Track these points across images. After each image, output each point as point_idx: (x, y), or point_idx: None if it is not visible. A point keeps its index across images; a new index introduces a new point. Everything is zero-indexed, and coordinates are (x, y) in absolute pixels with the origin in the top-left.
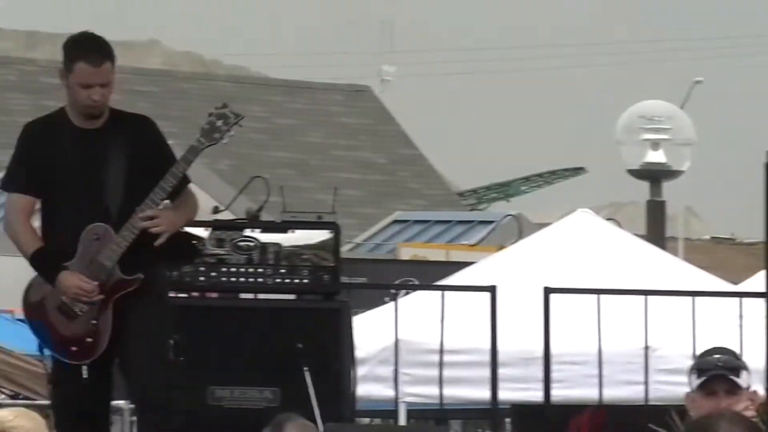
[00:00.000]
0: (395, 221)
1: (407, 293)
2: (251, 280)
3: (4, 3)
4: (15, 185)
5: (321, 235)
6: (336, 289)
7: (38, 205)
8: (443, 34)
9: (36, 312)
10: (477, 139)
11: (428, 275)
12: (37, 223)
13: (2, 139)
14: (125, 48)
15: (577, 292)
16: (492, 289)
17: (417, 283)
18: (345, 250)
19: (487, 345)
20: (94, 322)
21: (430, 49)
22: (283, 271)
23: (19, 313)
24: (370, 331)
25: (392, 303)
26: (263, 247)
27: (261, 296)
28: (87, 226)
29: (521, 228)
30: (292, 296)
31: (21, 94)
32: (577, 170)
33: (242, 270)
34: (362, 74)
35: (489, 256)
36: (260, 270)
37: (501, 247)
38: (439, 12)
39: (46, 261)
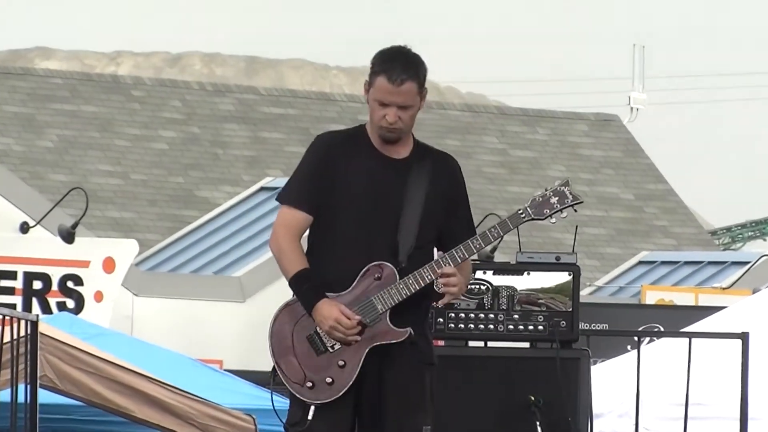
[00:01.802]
0: (640, 262)
1: (651, 341)
2: (481, 327)
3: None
4: (293, 198)
5: (559, 278)
6: (574, 337)
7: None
8: (697, 58)
9: (280, 337)
10: (733, 172)
11: (675, 321)
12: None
13: (215, 174)
14: (354, 75)
15: None
16: (744, 336)
17: (662, 329)
18: (585, 293)
19: (737, 398)
20: (341, 363)
21: (683, 74)
22: (516, 317)
23: (229, 364)
24: (610, 382)
25: (635, 351)
26: (495, 290)
27: (492, 344)
28: (370, 261)
29: None
30: (525, 344)
31: (237, 125)
32: None
33: (472, 316)
34: (608, 102)
35: (742, 300)
36: (491, 316)
37: (755, 290)
38: (695, 34)
39: (310, 284)
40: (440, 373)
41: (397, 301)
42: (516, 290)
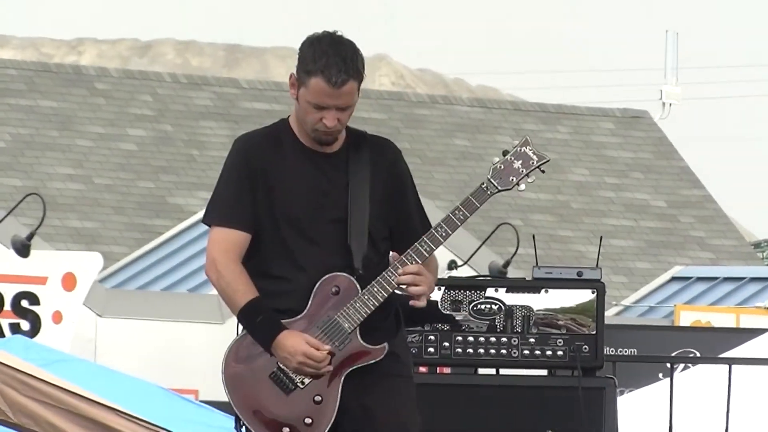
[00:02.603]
0: (674, 278)
1: (686, 367)
2: (493, 351)
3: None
4: (224, 218)
5: (581, 296)
6: (598, 364)
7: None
8: (739, 47)
9: (238, 383)
10: None
11: (712, 345)
12: None
13: (191, 178)
14: None
15: None
16: None
17: (698, 354)
18: (610, 314)
19: None
20: (318, 398)
21: (723, 65)
22: (532, 340)
23: (206, 394)
24: (639, 414)
25: (667, 379)
26: (509, 310)
27: (504, 372)
28: (322, 274)
29: None
30: (543, 372)
31: (215, 123)
32: None
33: (482, 339)
34: (637, 96)
35: None
36: (504, 339)
37: None
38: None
39: (263, 317)
40: (446, 403)
41: (365, 315)
42: (532, 310)
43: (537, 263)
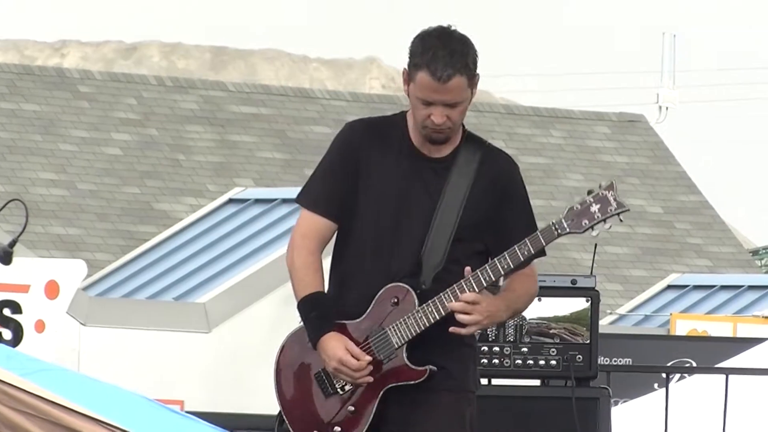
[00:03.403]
0: (670, 286)
1: (682, 378)
2: (485, 361)
3: (191, 17)
4: (313, 200)
5: (575, 304)
6: (592, 374)
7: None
8: (737, 50)
9: (286, 373)
10: None
11: (709, 355)
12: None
13: (177, 183)
14: (338, 69)
15: None
16: None
17: (694, 365)
18: (605, 323)
19: None
20: (351, 408)
21: (721, 68)
22: (525, 350)
23: (191, 405)
24: (634, 424)
25: (662, 390)
26: None
27: (497, 382)
28: (390, 280)
29: None
30: (536, 382)
31: (201, 127)
32: None
33: None
34: (633, 100)
35: None
36: (496, 349)
37: None
38: (735, 21)
39: (317, 313)
40: None
41: (414, 333)
42: (525, 319)
43: None
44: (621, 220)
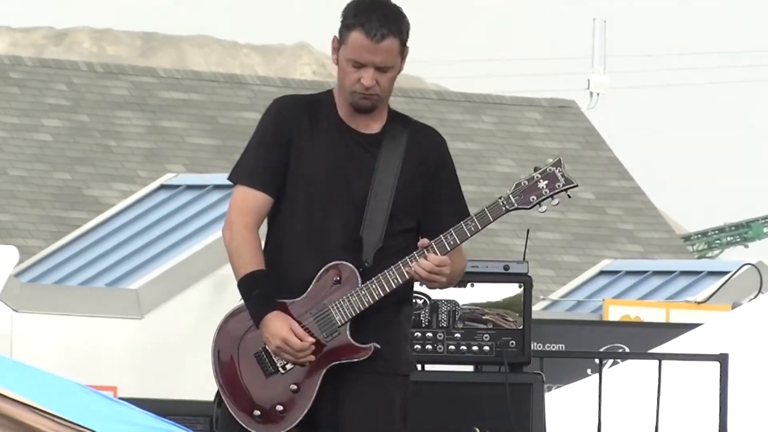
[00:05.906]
0: (602, 272)
1: (615, 363)
2: (418, 347)
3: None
4: (247, 175)
5: (508, 290)
6: (525, 359)
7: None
8: (667, 35)
9: (224, 354)
10: (709, 168)
11: (642, 340)
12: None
13: (108, 169)
14: (269, 55)
15: None
16: (723, 359)
17: (627, 350)
18: (538, 308)
19: (715, 427)
20: (294, 387)
21: (651, 53)
22: (458, 336)
23: (124, 391)
24: (568, 411)
25: (595, 375)
26: (434, 305)
27: (430, 368)
28: (329, 258)
29: (762, 280)
30: (469, 368)
31: (132, 113)
32: None
33: None
34: (564, 86)
35: (720, 316)
36: (429, 335)
37: (735, 305)
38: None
39: (259, 291)
40: None
41: (357, 311)
42: (458, 305)
43: None
44: (569, 196)
